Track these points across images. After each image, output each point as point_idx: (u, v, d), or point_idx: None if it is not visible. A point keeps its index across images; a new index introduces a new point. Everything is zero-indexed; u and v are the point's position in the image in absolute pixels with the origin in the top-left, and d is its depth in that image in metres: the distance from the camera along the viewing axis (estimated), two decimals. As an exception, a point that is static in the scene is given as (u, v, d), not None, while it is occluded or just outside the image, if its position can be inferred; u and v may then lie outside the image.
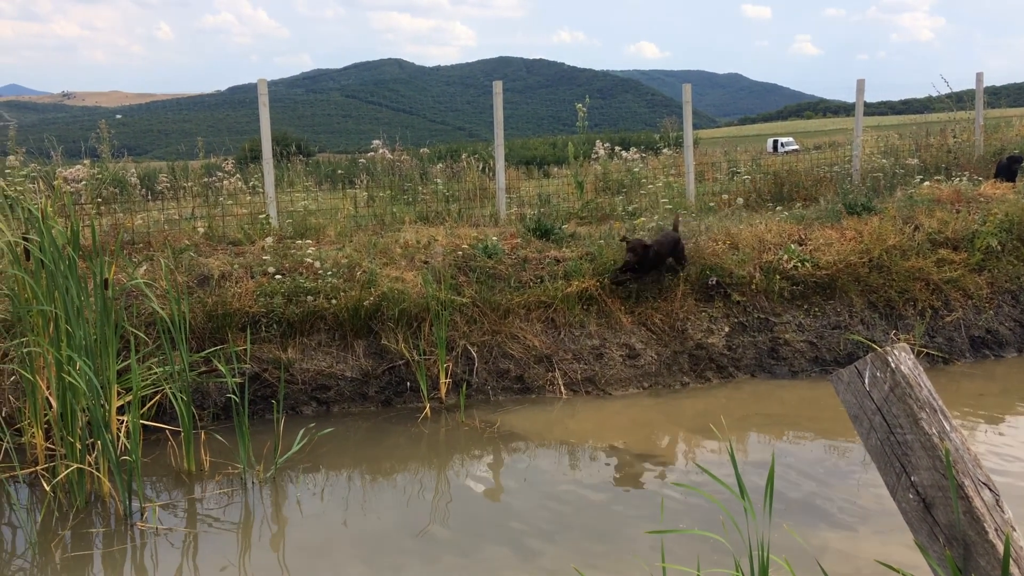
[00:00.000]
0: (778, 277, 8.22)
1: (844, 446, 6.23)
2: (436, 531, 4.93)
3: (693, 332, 7.89)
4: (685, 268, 8.13)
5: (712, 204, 10.88)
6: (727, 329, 7.96)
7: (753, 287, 8.16)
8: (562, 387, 7.45)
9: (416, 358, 7.23)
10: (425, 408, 7.01)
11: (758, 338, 7.99)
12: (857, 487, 5.42)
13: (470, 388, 7.28)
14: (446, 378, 7.26)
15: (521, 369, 7.51)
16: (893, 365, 2.09)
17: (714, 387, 7.63)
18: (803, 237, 8.79)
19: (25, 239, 5.62)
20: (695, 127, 11.71)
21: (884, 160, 12.63)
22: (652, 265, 7.91)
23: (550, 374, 7.50)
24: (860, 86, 12.86)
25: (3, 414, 5.99)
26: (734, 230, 8.88)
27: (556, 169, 17.86)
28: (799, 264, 8.31)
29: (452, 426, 6.74)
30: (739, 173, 12.65)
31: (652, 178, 12.03)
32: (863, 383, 2.14)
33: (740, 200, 11.01)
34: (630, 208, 10.38)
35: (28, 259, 5.63)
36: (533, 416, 6.94)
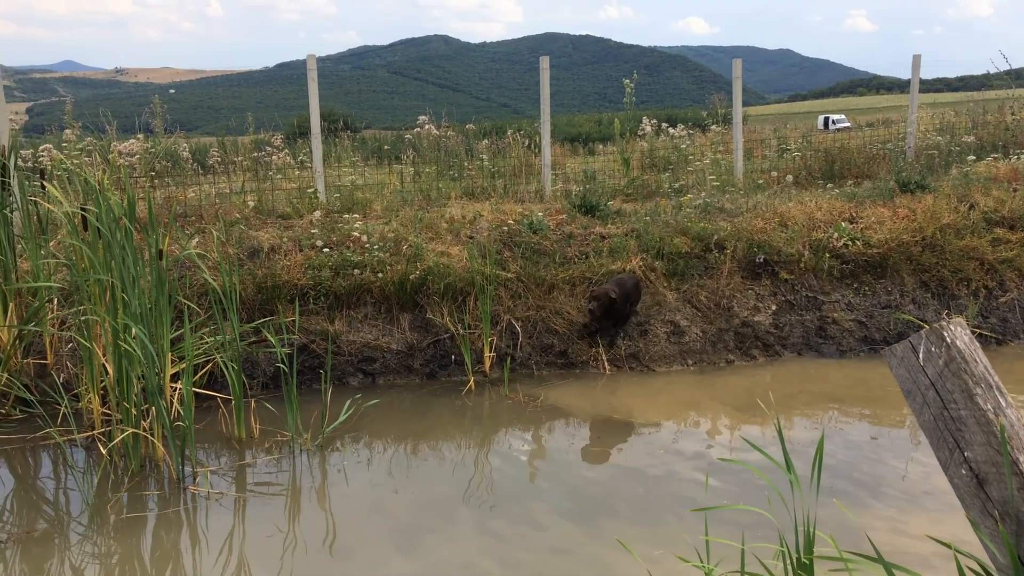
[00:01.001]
0: (827, 255, 8.10)
1: (892, 426, 6.15)
2: (477, 504, 4.98)
3: (739, 310, 7.82)
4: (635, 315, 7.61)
5: (760, 181, 10.74)
6: (774, 307, 7.88)
7: (802, 265, 8.05)
8: (606, 363, 7.45)
9: (461, 332, 7.29)
10: (469, 381, 7.06)
11: (806, 317, 7.89)
12: (904, 467, 5.36)
13: (514, 362, 7.32)
14: (490, 352, 7.30)
15: (565, 344, 7.52)
16: (948, 340, 2.06)
17: (759, 365, 7.57)
18: (854, 215, 8.64)
19: (83, 210, 5.76)
20: (744, 104, 11.53)
21: (939, 137, 12.33)
22: (620, 315, 7.37)
23: (594, 350, 7.50)
24: (916, 62, 12.53)
25: (61, 380, 6.18)
26: (783, 208, 8.76)
27: (601, 146, 17.74)
28: (849, 242, 8.18)
29: (495, 400, 6.79)
30: (789, 150, 12.46)
31: (699, 155, 11.90)
32: (917, 358, 2.11)
33: (789, 177, 10.84)
34: (676, 185, 10.29)
35: (85, 230, 5.78)
36: (576, 391, 6.96)
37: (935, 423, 2.11)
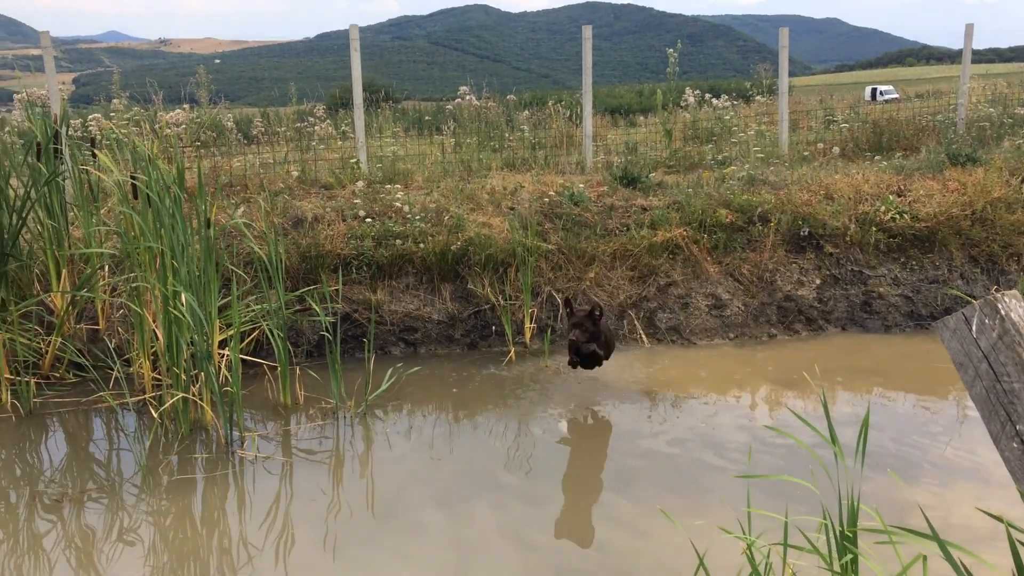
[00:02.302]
0: (874, 229, 7.97)
1: (937, 402, 6.08)
2: (517, 472, 5.02)
3: (782, 283, 7.74)
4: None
5: (806, 153, 10.57)
6: (818, 281, 7.79)
7: (847, 239, 7.94)
8: (644, 336, 7.44)
9: (501, 303, 7.32)
10: (510, 352, 7.11)
11: (851, 291, 7.79)
12: (950, 442, 5.30)
13: (554, 334, 7.34)
14: (531, 323, 7.33)
15: (605, 316, 7.52)
16: (1003, 312, 2.03)
17: (802, 339, 7.51)
18: (902, 188, 8.48)
19: (133, 178, 5.87)
20: (789, 74, 11.32)
21: (991, 109, 12.01)
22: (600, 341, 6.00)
23: (634, 322, 7.49)
24: (968, 31, 12.18)
25: (113, 345, 6.34)
26: (829, 180, 8.62)
27: (642, 118, 17.55)
28: (897, 216, 8.04)
29: (535, 370, 6.82)
30: (835, 121, 12.23)
31: (743, 126, 11.74)
32: (970, 330, 2.09)
33: (836, 149, 10.66)
34: (719, 157, 10.17)
35: (135, 198, 5.89)
36: (616, 363, 6.96)
37: (987, 396, 2.09)
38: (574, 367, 6.23)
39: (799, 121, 13.18)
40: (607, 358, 6.20)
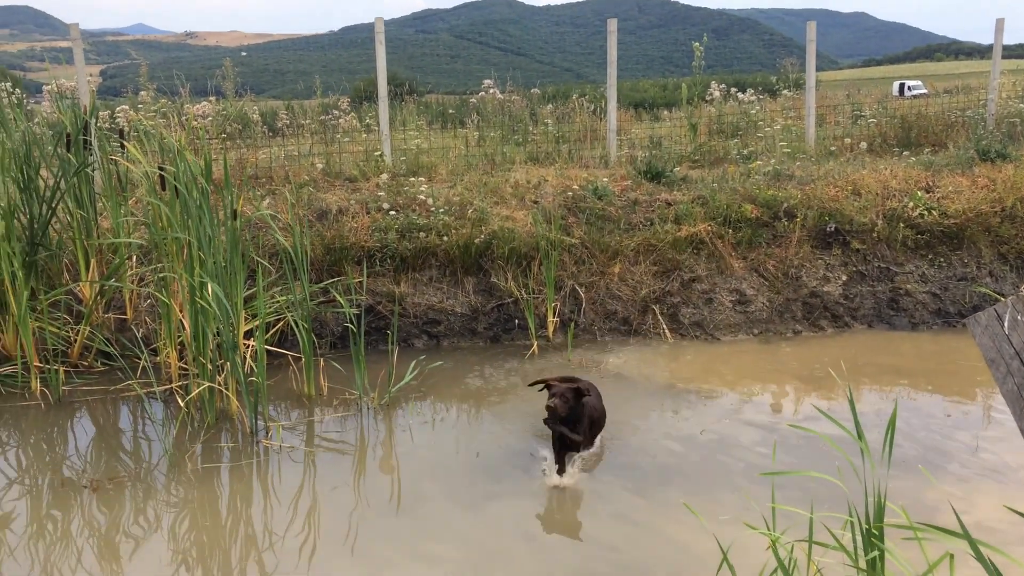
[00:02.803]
0: (902, 225, 7.88)
1: (964, 400, 6.01)
2: (539, 466, 5.01)
3: (808, 280, 7.68)
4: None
5: (833, 148, 10.46)
6: (844, 277, 7.72)
7: (874, 235, 7.86)
8: (668, 331, 7.41)
9: (525, 297, 7.32)
10: (532, 346, 7.11)
11: (877, 288, 7.72)
12: (976, 442, 5.24)
13: (577, 328, 7.33)
14: (554, 317, 7.33)
15: (628, 311, 7.50)
16: (1036, 309, 2.01)
17: (828, 336, 7.45)
18: (931, 184, 8.38)
19: (161, 169, 5.93)
20: (816, 69, 11.20)
21: (1022, 105, 11.82)
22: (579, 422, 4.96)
23: (657, 317, 7.47)
24: (999, 25, 11.99)
25: (140, 334, 6.41)
26: (856, 175, 8.54)
27: (666, 112, 17.43)
28: (925, 212, 7.94)
29: (558, 364, 6.81)
30: (863, 116, 12.09)
31: (769, 121, 11.63)
32: (1002, 326, 2.07)
33: (863, 144, 10.54)
34: (745, 152, 10.09)
35: (163, 189, 5.94)
36: (639, 358, 6.95)
37: (1018, 392, 2.07)
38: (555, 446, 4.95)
39: (826, 116, 13.04)
40: (587, 446, 5.05)
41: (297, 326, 6.00)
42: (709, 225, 7.83)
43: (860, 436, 3.09)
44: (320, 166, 9.16)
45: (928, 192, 8.24)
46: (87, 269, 6.77)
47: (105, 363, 6.45)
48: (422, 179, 8.55)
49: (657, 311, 7.49)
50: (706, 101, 12.50)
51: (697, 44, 11.67)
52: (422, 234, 7.51)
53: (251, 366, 5.71)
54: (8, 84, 10.75)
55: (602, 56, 10.47)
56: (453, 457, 5.20)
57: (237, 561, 4.13)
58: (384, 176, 8.63)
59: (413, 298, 7.38)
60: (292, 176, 8.60)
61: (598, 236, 7.73)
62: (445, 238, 7.49)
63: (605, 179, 8.57)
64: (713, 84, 12.78)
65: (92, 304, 6.58)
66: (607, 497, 4.65)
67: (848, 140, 10.94)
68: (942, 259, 7.87)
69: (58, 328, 6.50)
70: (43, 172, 6.83)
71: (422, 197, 7.95)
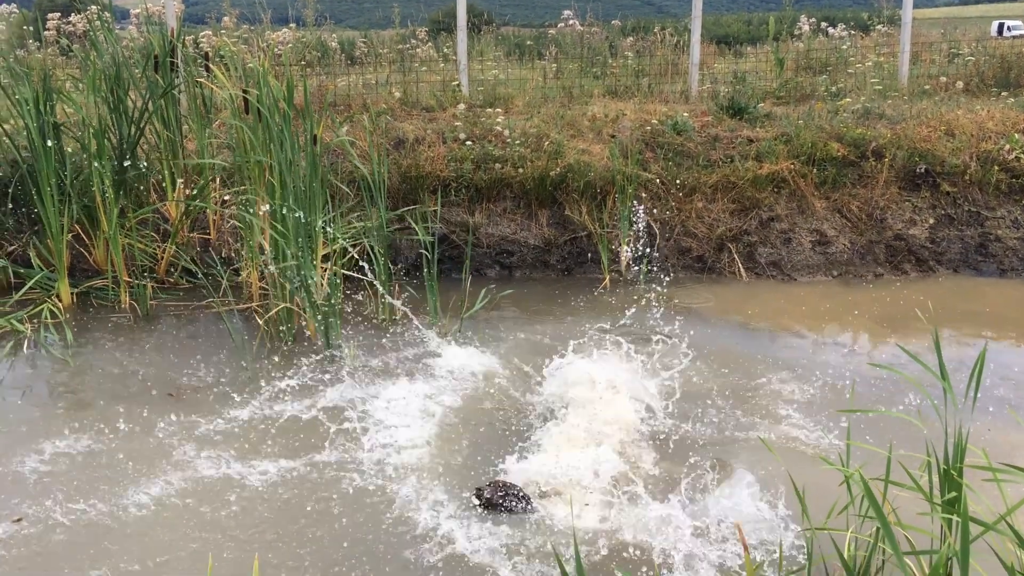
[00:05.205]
0: (996, 168, 7.54)
1: (1054, 352, 5.80)
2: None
3: (893, 222, 7.43)
4: None
5: (927, 87, 9.99)
6: (931, 221, 7.45)
7: (966, 177, 7.54)
8: (743, 270, 7.29)
9: (598, 231, 7.27)
10: (604, 279, 7.09)
11: (966, 232, 7.43)
12: (1065, 394, 5.06)
13: (650, 264, 7.27)
14: (627, 252, 7.28)
15: (703, 248, 7.40)
16: None
17: (911, 280, 7.23)
18: (1031, 126, 7.96)
19: (245, 92, 6.01)
20: (912, 5, 10.63)
21: None
22: None
23: (733, 256, 7.35)
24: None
25: (223, 255, 6.60)
26: (950, 115, 8.16)
27: (750, 48, 16.86)
28: (1022, 155, 7.57)
29: (629, 299, 6.77)
30: (960, 55, 11.49)
31: (860, 58, 11.16)
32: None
33: (959, 84, 10.04)
34: (833, 89, 9.72)
35: (247, 112, 6.04)
36: (713, 296, 6.88)
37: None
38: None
39: (920, 54, 12.41)
40: None
41: (373, 251, 6.09)
42: (792, 163, 7.62)
43: (944, 376, 3.02)
44: (397, 95, 9.16)
45: (1027, 134, 7.83)
46: (173, 189, 6.97)
47: (190, 280, 6.68)
48: (499, 110, 8.49)
49: (733, 249, 7.37)
50: (793, 36, 12.05)
51: (787, -25, 11.19)
52: (497, 165, 7.49)
53: (327, 289, 5.84)
54: (97, 7, 10.98)
55: (686, -13, 10.14)
56: (523, 380, 5.26)
57: (301, 466, 4.27)
58: (461, 107, 8.60)
59: (487, 228, 7.40)
60: (370, 104, 8.64)
61: (676, 172, 7.60)
62: (520, 170, 7.46)
63: (685, 114, 8.38)
64: (803, 18, 12.28)
65: (178, 223, 6.79)
66: (678, 427, 4.65)
67: (944, 79, 10.43)
68: (1038, 205, 7.52)
69: (146, 245, 6.73)
70: (131, 94, 7.00)
71: (498, 128, 7.91)
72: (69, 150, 6.77)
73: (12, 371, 5.45)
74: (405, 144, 7.72)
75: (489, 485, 3.97)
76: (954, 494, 2.80)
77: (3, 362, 5.53)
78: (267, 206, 5.79)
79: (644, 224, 7.28)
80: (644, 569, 3.47)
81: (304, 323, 5.90)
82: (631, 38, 12.56)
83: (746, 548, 2.10)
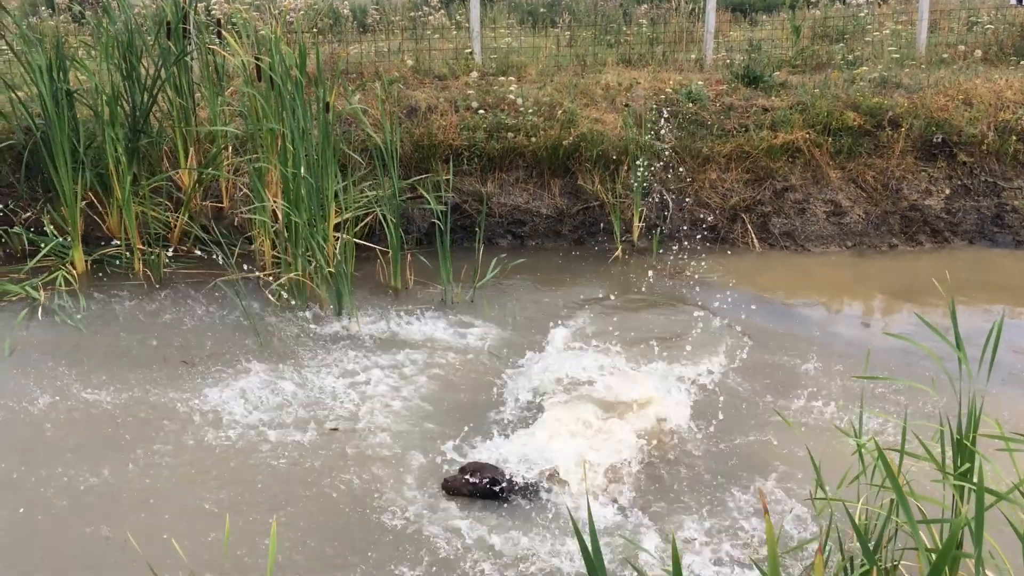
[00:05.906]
0: (1014, 138, 7.44)
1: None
2: (613, 364, 5.03)
3: (908, 192, 7.37)
4: None
5: (945, 56, 9.85)
6: (948, 191, 7.38)
7: (984, 148, 7.45)
8: (756, 240, 7.26)
9: (611, 200, 7.24)
10: (617, 250, 7.07)
11: (982, 203, 7.37)
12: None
13: (663, 234, 7.24)
14: (640, 222, 7.25)
15: (716, 219, 7.37)
16: None
17: (926, 251, 7.19)
18: (1051, 96, 7.85)
19: (257, 59, 5.99)
20: (933, -30, 10.46)
21: None
22: None
23: (746, 226, 7.31)
24: None
25: (236, 223, 6.61)
26: (968, 84, 8.05)
27: (765, 16, 16.65)
28: (1042, 125, 7.47)
29: (642, 269, 6.77)
30: (979, 23, 11.31)
31: (878, 25, 11.00)
32: None
33: (978, 52, 9.89)
34: (850, 57, 9.60)
35: (259, 80, 6.01)
36: (725, 266, 6.85)
37: None
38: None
39: (938, 22, 12.22)
40: None
41: (386, 220, 6.09)
42: (807, 133, 7.54)
43: (959, 346, 3.01)
44: (410, 63, 9.10)
45: (1047, 104, 7.73)
46: (186, 157, 6.97)
47: (203, 248, 6.69)
48: (511, 79, 8.43)
49: (747, 219, 7.33)
50: (810, 3, 11.90)
51: (805, -60, 11.01)
52: (510, 134, 7.45)
53: (339, 257, 5.85)
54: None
55: (702, -47, 9.99)
56: (534, 344, 5.27)
57: (310, 429, 4.31)
58: (473, 75, 8.54)
59: (499, 198, 7.38)
60: (383, 72, 8.59)
61: (690, 141, 7.54)
62: (533, 139, 7.42)
63: (700, 83, 8.30)
64: (820, -15, 12.10)
65: (191, 191, 6.79)
66: (694, 398, 4.66)
67: (962, 48, 10.28)
68: (1056, 176, 7.43)
69: (159, 213, 6.75)
70: (144, 61, 6.97)
71: (511, 97, 7.85)
72: (82, 117, 6.76)
73: (27, 337, 5.50)
74: (417, 112, 7.68)
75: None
76: (968, 465, 2.80)
77: (18, 328, 5.57)
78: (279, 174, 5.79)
79: (657, 194, 7.25)
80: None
81: (317, 291, 5.91)
82: (645, 5, 12.41)
83: (767, 511, 2.11)
